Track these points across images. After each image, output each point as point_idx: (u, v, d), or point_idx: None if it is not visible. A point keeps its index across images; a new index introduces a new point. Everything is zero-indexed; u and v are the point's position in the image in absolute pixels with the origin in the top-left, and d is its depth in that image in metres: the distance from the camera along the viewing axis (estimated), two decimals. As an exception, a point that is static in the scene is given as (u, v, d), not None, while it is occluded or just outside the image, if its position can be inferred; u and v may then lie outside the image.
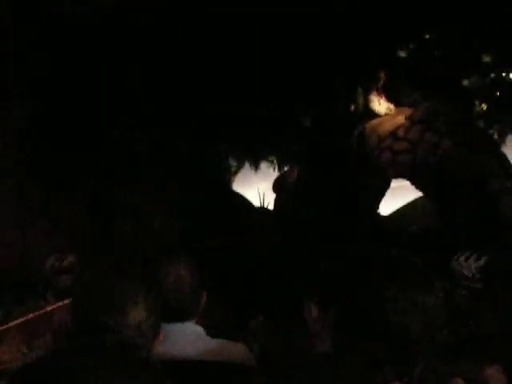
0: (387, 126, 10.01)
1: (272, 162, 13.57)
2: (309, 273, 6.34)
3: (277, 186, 10.92)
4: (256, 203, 11.80)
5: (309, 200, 9.39)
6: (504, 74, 10.76)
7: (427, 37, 9.46)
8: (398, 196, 12.08)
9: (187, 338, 2.65)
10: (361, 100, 10.10)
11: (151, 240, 7.52)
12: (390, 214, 13.57)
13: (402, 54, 9.56)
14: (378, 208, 10.47)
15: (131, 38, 7.89)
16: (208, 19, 8.13)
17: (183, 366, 2.42)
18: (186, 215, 8.70)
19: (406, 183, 11.55)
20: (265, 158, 13.59)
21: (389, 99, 10.12)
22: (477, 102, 11.34)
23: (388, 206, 12.08)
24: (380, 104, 10.03)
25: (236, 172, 14.79)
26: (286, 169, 12.08)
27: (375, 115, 10.03)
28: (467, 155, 10.19)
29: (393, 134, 10.01)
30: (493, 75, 10.63)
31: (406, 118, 10.04)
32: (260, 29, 8.77)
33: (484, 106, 11.46)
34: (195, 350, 2.59)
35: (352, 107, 10.17)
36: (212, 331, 2.74)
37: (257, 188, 12.73)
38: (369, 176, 9.79)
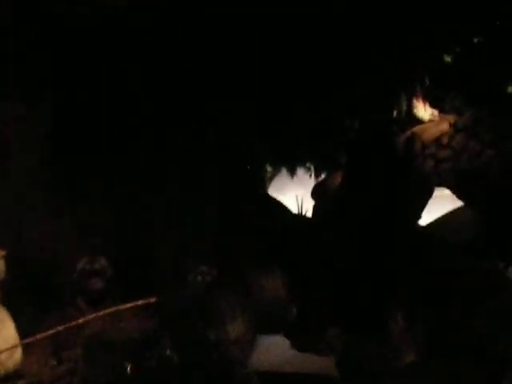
0: (431, 133, 9.80)
1: (309, 168, 13.47)
2: (392, 285, 6.16)
3: (317, 193, 10.72)
4: (293, 210, 11.62)
5: (351, 208, 9.19)
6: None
7: (474, 41, 9.20)
8: (435, 206, 11.81)
9: (275, 351, 2.70)
10: (404, 106, 9.89)
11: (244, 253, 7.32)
12: (428, 225, 13.31)
13: (447, 58, 9.33)
14: (420, 217, 10.25)
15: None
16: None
17: (272, 378, 2.39)
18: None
19: (443, 193, 11.36)
20: (302, 164, 13.45)
21: (433, 105, 9.90)
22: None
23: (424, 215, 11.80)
24: (424, 110, 9.82)
25: (272, 178, 14.65)
26: (323, 176, 11.90)
27: (419, 122, 9.81)
28: (509, 166, 9.97)
29: (436, 141, 9.80)
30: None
31: (449, 126, 9.83)
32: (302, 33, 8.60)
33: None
34: (283, 363, 2.63)
35: (395, 114, 9.96)
36: (298, 344, 2.76)
37: (293, 195, 12.46)
38: (412, 184, 9.57)
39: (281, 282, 2.81)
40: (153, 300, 3.66)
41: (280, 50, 8.61)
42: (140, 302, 3.69)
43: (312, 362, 2.78)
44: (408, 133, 9.79)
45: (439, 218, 14.88)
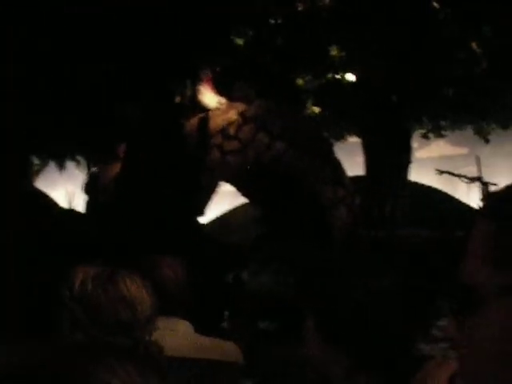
0: (217, 122, 9.05)
1: (79, 161, 12.69)
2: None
3: (89, 186, 9.68)
4: (63, 205, 10.66)
5: (131, 200, 8.20)
6: (339, 76, 10.12)
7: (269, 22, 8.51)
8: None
9: (176, 335, 2.66)
10: (189, 92, 9.04)
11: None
12: (209, 222, 12.71)
13: (239, 41, 8.59)
14: (204, 214, 9.44)
15: None
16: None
17: (172, 364, 2.18)
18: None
19: (223, 189, 10.69)
20: (71, 157, 12.69)
21: (220, 92, 9.13)
22: (310, 104, 10.67)
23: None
24: (211, 97, 9.02)
25: (39, 171, 13.55)
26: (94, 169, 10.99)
27: (204, 109, 8.99)
28: (300, 160, 9.47)
29: (223, 131, 9.06)
30: (329, 76, 9.95)
31: (238, 115, 9.13)
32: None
33: (316, 109, 10.80)
34: (183, 347, 2.61)
35: (179, 100, 9.08)
36: (201, 328, 2.77)
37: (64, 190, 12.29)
38: (196, 177, 8.73)
39: (179, 266, 2.78)
40: None
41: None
42: None
43: (218, 349, 2.77)
44: (192, 121, 8.94)
45: (220, 216, 14.37)
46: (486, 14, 7.19)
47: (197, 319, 2.74)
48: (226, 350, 2.79)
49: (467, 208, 11.61)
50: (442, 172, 9.97)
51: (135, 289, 2.22)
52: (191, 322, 2.73)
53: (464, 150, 16.24)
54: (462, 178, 9.55)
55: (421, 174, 12.33)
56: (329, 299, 1.81)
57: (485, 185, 9.20)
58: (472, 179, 9.40)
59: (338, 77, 10.08)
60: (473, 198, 9.86)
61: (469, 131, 12.40)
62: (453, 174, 9.82)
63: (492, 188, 9.24)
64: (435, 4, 7.19)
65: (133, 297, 2.20)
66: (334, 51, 8.55)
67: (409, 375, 1.71)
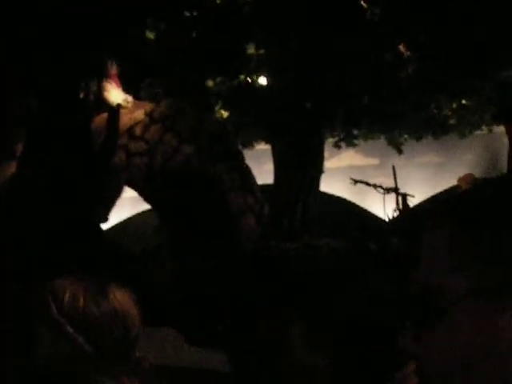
0: (123, 122, 8.53)
1: None
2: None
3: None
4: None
5: (26, 203, 7.60)
6: (251, 79, 9.75)
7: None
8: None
9: (164, 344, 2.94)
10: (94, 89, 8.46)
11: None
12: (107, 230, 12.11)
13: (150, 35, 8.09)
14: (107, 220, 8.86)
15: None
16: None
17: (165, 372, 2.19)
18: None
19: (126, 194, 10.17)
20: None
21: (126, 90, 8.61)
22: (219, 107, 10.25)
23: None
24: (117, 94, 8.48)
25: None
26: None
27: (110, 107, 8.44)
28: (209, 165, 9.03)
29: (129, 131, 8.54)
30: (241, 78, 9.55)
31: (144, 114, 8.63)
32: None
33: (225, 113, 10.40)
34: (173, 356, 2.90)
35: (83, 96, 8.49)
36: (189, 338, 2.97)
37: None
38: (99, 179, 8.18)
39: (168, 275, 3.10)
40: None
41: None
42: None
43: (205, 357, 2.87)
44: (97, 119, 8.39)
45: (119, 224, 13.80)
46: (416, 16, 6.94)
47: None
48: (211, 357, 2.88)
49: (377, 219, 11.43)
50: (356, 181, 9.70)
51: (126, 302, 2.16)
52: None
53: (375, 161, 16.19)
54: (378, 189, 9.29)
55: (330, 183, 12.09)
56: (319, 305, 1.82)
57: (401, 196, 8.97)
58: (388, 190, 9.15)
59: (249, 80, 9.72)
60: (384, 208, 9.61)
61: (380, 142, 12.28)
62: (368, 184, 9.55)
63: (408, 199, 9.05)
64: (363, 3, 6.89)
65: (124, 311, 2.15)
66: (251, 49, 8.15)
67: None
